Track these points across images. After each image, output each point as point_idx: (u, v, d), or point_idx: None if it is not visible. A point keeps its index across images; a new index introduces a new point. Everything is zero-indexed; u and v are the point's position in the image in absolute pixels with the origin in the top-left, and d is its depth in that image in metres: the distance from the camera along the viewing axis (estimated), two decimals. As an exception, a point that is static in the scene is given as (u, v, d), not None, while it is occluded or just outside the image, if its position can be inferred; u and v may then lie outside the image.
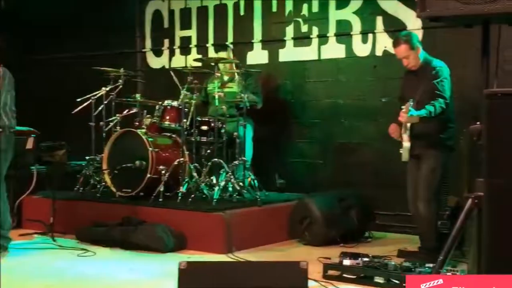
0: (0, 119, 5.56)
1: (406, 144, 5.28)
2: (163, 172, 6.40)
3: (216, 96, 6.61)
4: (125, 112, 7.13)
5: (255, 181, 6.62)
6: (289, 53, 7.73)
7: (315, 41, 7.53)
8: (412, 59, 5.42)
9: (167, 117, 6.71)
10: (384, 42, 6.98)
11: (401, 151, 5.34)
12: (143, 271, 5.22)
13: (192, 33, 8.51)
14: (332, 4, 7.38)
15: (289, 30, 7.70)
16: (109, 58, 8.59)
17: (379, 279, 4.69)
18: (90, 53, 8.93)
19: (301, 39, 7.62)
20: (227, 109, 6.63)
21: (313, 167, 7.61)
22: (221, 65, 7.07)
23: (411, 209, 5.57)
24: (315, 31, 7.52)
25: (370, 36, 7.15)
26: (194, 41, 8.48)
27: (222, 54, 7.36)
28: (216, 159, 6.49)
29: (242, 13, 8.07)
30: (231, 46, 7.76)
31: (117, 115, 7.07)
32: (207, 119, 6.70)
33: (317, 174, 7.57)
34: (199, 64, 7.09)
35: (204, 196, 6.39)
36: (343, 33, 7.32)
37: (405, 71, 5.64)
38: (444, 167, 5.43)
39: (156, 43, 8.84)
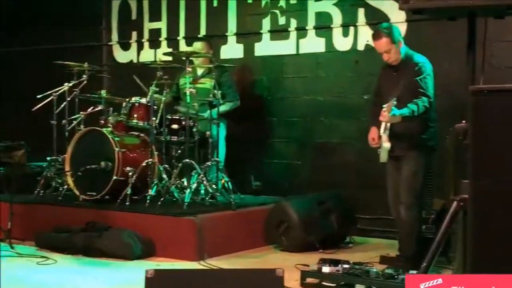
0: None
1: (386, 144, 5.28)
2: (130, 173, 6.37)
3: (188, 93, 6.60)
4: (89, 109, 7.09)
5: (229, 183, 6.61)
6: (265, 47, 7.74)
7: (293, 34, 7.55)
8: (393, 53, 5.38)
9: (135, 115, 6.68)
10: (366, 36, 7.01)
11: (379, 152, 5.37)
12: (108, 280, 5.18)
13: (162, 25, 8.49)
14: (311, -5, 7.42)
15: (266, 23, 7.71)
16: (72, 51, 8.54)
17: (360, 287, 4.70)
18: (51, 47, 8.86)
19: (279, 32, 7.63)
20: (199, 106, 6.62)
21: (291, 168, 7.63)
22: (193, 59, 7.06)
23: (392, 213, 5.60)
24: (293, 23, 7.54)
25: (352, 29, 7.18)
26: (164, 34, 8.47)
27: (197, 45, 7.34)
28: (187, 160, 6.48)
29: (215, 4, 8.08)
30: (206, 38, 7.75)
31: (81, 112, 7.03)
32: (177, 117, 6.70)
33: (295, 175, 7.59)
34: (170, 58, 7.08)
35: (174, 199, 6.38)
36: (323, 26, 7.34)
37: (383, 65, 5.60)
38: (426, 169, 5.43)
39: (123, 35, 8.81)
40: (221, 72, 7.04)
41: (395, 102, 5.06)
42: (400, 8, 3.70)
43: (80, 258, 5.88)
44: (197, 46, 7.34)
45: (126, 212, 6.23)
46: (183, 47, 8.15)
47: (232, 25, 7.94)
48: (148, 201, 6.25)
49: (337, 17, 7.26)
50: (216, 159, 6.64)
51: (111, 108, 6.95)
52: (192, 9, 8.21)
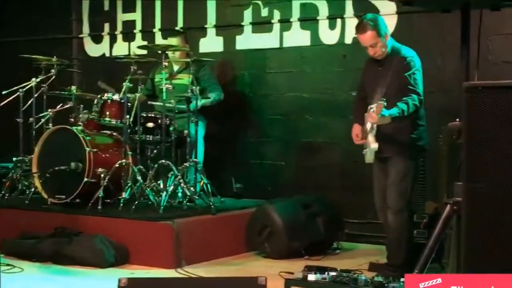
0: None
1: (374, 146, 5.17)
2: (102, 175, 6.35)
3: (164, 89, 6.58)
4: (58, 106, 7.06)
5: (208, 185, 6.61)
6: (247, 40, 7.74)
7: (276, 27, 7.56)
8: (379, 47, 5.27)
9: (107, 113, 6.66)
10: (354, 29, 7.01)
11: (364, 152, 5.34)
12: (79, 289, 5.17)
13: (137, 16, 8.47)
14: (296, -15, 7.44)
15: (247, 14, 7.71)
16: (40, 44, 8.50)
17: (348, 296, 4.71)
18: (17, 39, 8.81)
19: (261, 25, 7.64)
20: (176, 103, 6.62)
21: (274, 170, 7.64)
22: (170, 53, 7.04)
23: (380, 218, 5.58)
24: (277, 15, 7.55)
25: (339, 21, 7.19)
26: (138, 26, 8.45)
27: (172, 41, 7.33)
28: (163, 161, 6.46)
29: (193, -7, 8.08)
30: (182, 32, 7.74)
31: (50, 110, 7.00)
32: (153, 115, 6.68)
33: (279, 177, 7.60)
34: (144, 52, 7.06)
35: (149, 203, 6.36)
36: (308, 18, 7.35)
37: (367, 59, 5.52)
38: (415, 171, 5.39)
39: (95, 27, 8.78)
40: (199, 67, 7.03)
41: (385, 103, 4.91)
42: (390, -1, 3.71)
43: (49, 266, 5.85)
44: (173, 39, 7.32)
45: (98, 216, 6.21)
46: (159, 40, 8.14)
47: (211, 17, 7.93)
48: (121, 204, 6.24)
49: (324, 9, 7.27)
50: (195, 159, 6.63)
51: (82, 105, 6.91)
52: (169, -1, 8.22)
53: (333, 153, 7.25)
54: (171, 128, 6.61)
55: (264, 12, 7.62)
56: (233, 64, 7.88)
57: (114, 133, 6.79)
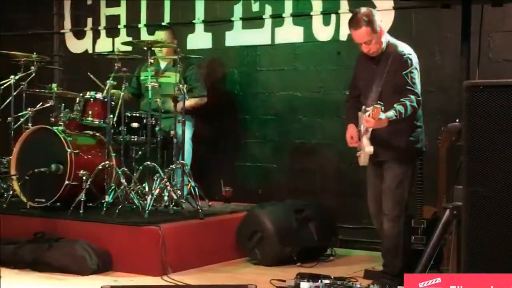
0: None
1: (369, 149, 5.09)
2: (84, 178, 6.34)
3: (150, 87, 6.58)
4: (38, 105, 7.04)
5: (196, 188, 6.60)
6: (237, 36, 7.74)
7: (268, 23, 7.56)
8: (375, 43, 5.16)
9: (90, 112, 6.65)
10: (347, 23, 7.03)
11: (358, 154, 5.30)
12: (59, 297, 5.17)
13: (121, 11, 8.46)
14: (288, -21, 7.44)
15: (237, 9, 7.71)
16: (19, 40, 8.47)
17: (342, 305, 4.73)
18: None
19: (252, 20, 7.64)
20: (162, 103, 6.61)
21: (265, 172, 7.64)
22: (156, 50, 7.03)
23: (375, 224, 5.55)
24: (268, 10, 7.55)
25: (333, 17, 7.20)
26: (123, 21, 8.44)
27: (160, 35, 7.32)
28: (149, 163, 6.46)
29: (181, -13, 8.08)
30: (170, 26, 7.74)
31: (29, 109, 6.98)
32: (138, 115, 6.68)
33: (270, 180, 7.60)
34: (129, 48, 7.04)
35: (134, 206, 6.35)
36: (302, 14, 7.36)
37: (360, 54, 5.41)
38: (413, 174, 5.35)
39: (77, 22, 8.76)
40: (186, 64, 7.02)
41: (382, 108, 4.82)
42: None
43: (28, 272, 5.82)
44: (160, 35, 7.31)
45: (80, 221, 6.19)
46: (144, 36, 8.13)
47: (199, 12, 7.93)
48: (104, 208, 6.23)
49: (317, 4, 7.28)
50: (182, 161, 6.62)
51: (63, 104, 6.90)
52: (155, -7, 8.21)
53: (327, 155, 7.26)
54: (157, 129, 6.61)
55: (255, 7, 7.62)
56: (222, 61, 7.88)
57: (97, 134, 6.78)
